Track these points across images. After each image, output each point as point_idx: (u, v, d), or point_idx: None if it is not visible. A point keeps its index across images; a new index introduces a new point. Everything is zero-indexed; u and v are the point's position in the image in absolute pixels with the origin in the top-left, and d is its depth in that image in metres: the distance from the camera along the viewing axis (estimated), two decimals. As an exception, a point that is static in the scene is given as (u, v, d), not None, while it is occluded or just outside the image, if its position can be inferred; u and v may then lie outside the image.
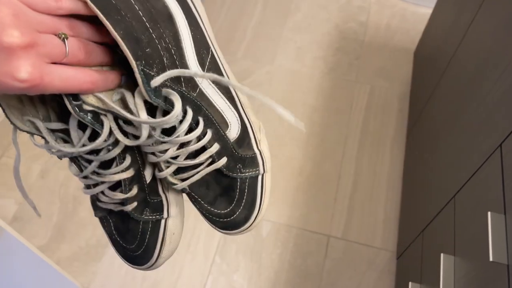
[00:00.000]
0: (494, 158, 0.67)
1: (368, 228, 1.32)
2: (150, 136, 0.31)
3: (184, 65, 0.33)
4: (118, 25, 0.28)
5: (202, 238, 1.28)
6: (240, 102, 0.37)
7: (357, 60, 1.68)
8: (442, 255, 0.76)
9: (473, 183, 0.75)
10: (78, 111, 0.29)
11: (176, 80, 0.31)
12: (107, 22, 0.27)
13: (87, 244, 1.25)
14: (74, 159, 0.34)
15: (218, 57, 0.36)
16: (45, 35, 0.27)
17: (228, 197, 0.37)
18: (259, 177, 0.37)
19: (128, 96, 0.30)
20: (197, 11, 0.35)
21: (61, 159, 0.34)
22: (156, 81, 0.29)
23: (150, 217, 0.37)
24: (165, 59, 0.31)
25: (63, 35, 0.28)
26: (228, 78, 0.37)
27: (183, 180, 0.35)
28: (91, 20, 0.30)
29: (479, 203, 0.70)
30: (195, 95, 0.33)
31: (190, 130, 0.33)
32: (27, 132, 0.31)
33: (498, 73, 0.73)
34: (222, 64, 0.37)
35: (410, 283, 0.94)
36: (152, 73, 0.29)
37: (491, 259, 0.58)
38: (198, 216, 0.38)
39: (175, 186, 0.35)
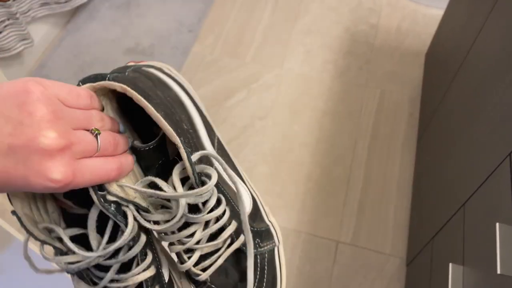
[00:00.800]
0: (503, 167, 0.65)
1: (377, 234, 1.30)
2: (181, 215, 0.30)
3: (202, 146, 0.34)
4: (158, 107, 0.30)
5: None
6: (245, 176, 0.38)
7: (367, 64, 1.67)
8: (450, 264, 0.75)
9: (482, 192, 0.73)
10: (103, 201, 0.28)
11: (199, 159, 0.32)
12: (149, 105, 0.29)
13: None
14: (83, 273, 0.30)
15: (220, 138, 0.38)
16: (79, 132, 0.26)
17: None
18: (275, 250, 0.36)
19: (157, 181, 0.30)
20: (196, 101, 0.37)
21: (70, 274, 0.30)
22: (195, 156, 0.30)
23: None
24: (190, 139, 0.32)
25: (96, 131, 0.27)
26: (231, 156, 0.38)
27: (204, 269, 0.33)
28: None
29: (488, 213, 0.68)
30: None
31: (212, 209, 0.32)
32: (42, 241, 0.29)
33: (509, 78, 0.71)
34: (224, 143, 0.38)
35: (419, 291, 0.93)
36: (190, 150, 0.31)
37: (498, 271, 0.57)
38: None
39: (199, 277, 0.33)
